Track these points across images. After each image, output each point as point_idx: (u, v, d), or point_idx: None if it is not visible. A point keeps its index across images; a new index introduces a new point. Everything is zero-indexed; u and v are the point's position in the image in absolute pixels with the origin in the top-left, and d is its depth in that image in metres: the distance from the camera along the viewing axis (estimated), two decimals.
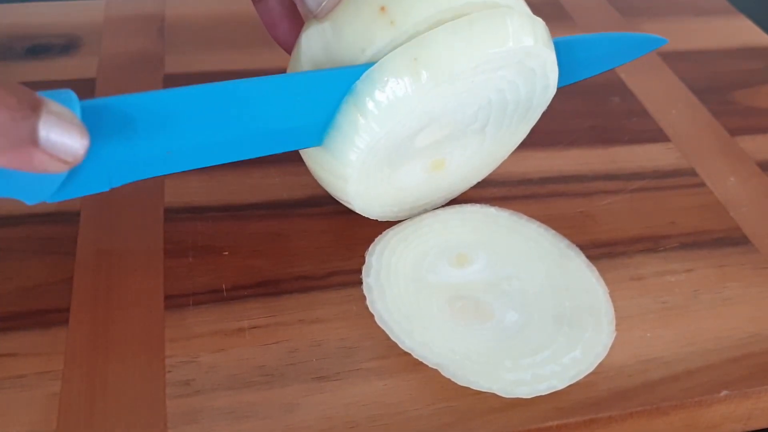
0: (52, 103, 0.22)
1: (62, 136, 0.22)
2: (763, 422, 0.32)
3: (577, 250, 0.34)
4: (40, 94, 0.22)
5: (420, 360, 0.29)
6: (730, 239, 0.37)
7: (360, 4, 0.29)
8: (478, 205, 0.36)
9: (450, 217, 0.35)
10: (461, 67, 0.28)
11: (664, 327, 0.32)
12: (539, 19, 0.31)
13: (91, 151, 0.23)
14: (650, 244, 0.36)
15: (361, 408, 0.28)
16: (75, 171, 0.25)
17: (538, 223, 0.35)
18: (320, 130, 0.30)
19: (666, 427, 0.30)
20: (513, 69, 0.31)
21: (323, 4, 0.29)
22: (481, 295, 0.32)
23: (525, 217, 0.35)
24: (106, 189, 0.27)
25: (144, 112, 0.26)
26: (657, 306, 0.33)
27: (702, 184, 0.40)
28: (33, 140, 0.21)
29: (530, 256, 0.34)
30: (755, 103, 0.47)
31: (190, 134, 0.27)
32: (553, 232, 0.35)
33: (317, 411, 0.28)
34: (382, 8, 0.29)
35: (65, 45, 0.47)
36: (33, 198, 0.25)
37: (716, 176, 0.41)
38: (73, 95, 0.24)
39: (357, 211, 0.34)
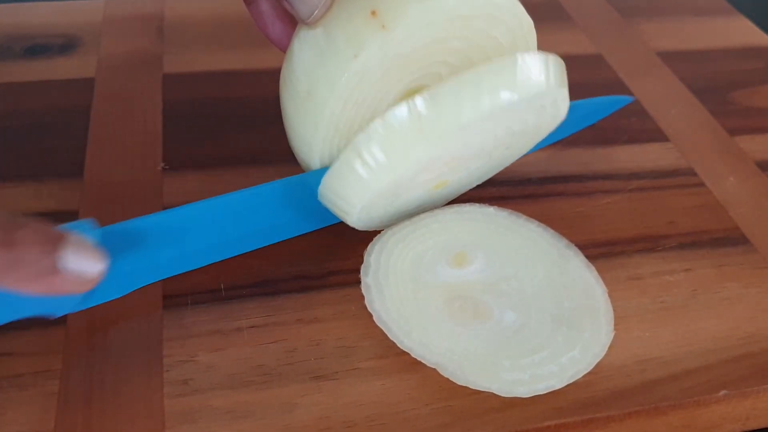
0: (72, 236, 0.26)
1: (81, 264, 0.25)
2: (761, 422, 0.32)
3: (576, 249, 0.34)
4: (61, 228, 0.26)
5: (418, 359, 0.29)
6: (729, 239, 0.37)
7: (351, 9, 0.29)
8: (476, 204, 0.36)
9: (448, 217, 0.35)
10: (468, 119, 0.28)
11: (662, 327, 0.32)
12: (553, 56, 0.31)
13: (110, 267, 0.27)
14: (649, 243, 0.36)
15: (359, 408, 0.28)
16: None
17: (537, 222, 0.35)
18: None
19: (664, 427, 0.30)
20: (522, 109, 0.31)
21: (315, 12, 0.29)
22: (479, 295, 0.32)
23: (524, 216, 0.35)
24: (124, 294, 0.31)
25: (151, 232, 0.31)
26: (655, 306, 0.33)
27: (701, 184, 0.40)
28: (55, 270, 0.25)
29: (529, 255, 0.34)
30: (754, 103, 0.47)
31: (192, 243, 0.32)
32: (552, 231, 0.35)
33: (315, 411, 0.28)
34: (373, 12, 0.29)
35: (64, 45, 0.47)
36: (60, 311, 0.29)
37: (715, 176, 0.41)
38: (95, 223, 0.28)
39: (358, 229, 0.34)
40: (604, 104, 0.43)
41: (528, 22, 0.32)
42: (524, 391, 0.28)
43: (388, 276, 0.32)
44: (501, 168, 0.37)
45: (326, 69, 0.30)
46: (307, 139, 0.31)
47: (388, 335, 0.30)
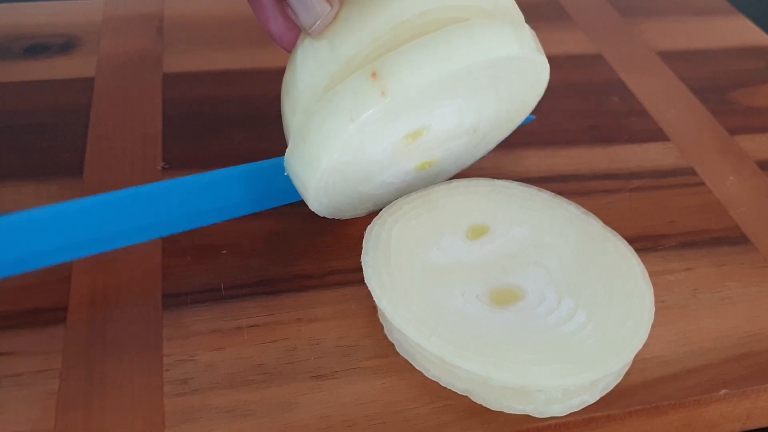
0: None
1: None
2: (761, 421, 0.32)
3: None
4: None
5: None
6: (729, 238, 0.37)
7: (355, 25, 0.28)
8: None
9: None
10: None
11: (663, 326, 0.32)
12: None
13: None
14: (649, 243, 0.36)
15: (360, 407, 0.28)
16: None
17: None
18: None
19: (665, 426, 0.30)
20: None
21: (317, 23, 0.29)
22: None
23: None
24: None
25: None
26: (656, 305, 0.33)
27: (701, 184, 0.40)
28: None
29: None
30: (755, 102, 0.47)
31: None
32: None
33: (315, 410, 0.28)
34: (374, 74, 0.28)
35: (64, 44, 0.47)
36: None
37: (715, 176, 0.41)
38: None
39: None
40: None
41: (544, 66, 0.31)
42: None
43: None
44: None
45: (332, 81, 0.29)
46: (303, 179, 0.30)
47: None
